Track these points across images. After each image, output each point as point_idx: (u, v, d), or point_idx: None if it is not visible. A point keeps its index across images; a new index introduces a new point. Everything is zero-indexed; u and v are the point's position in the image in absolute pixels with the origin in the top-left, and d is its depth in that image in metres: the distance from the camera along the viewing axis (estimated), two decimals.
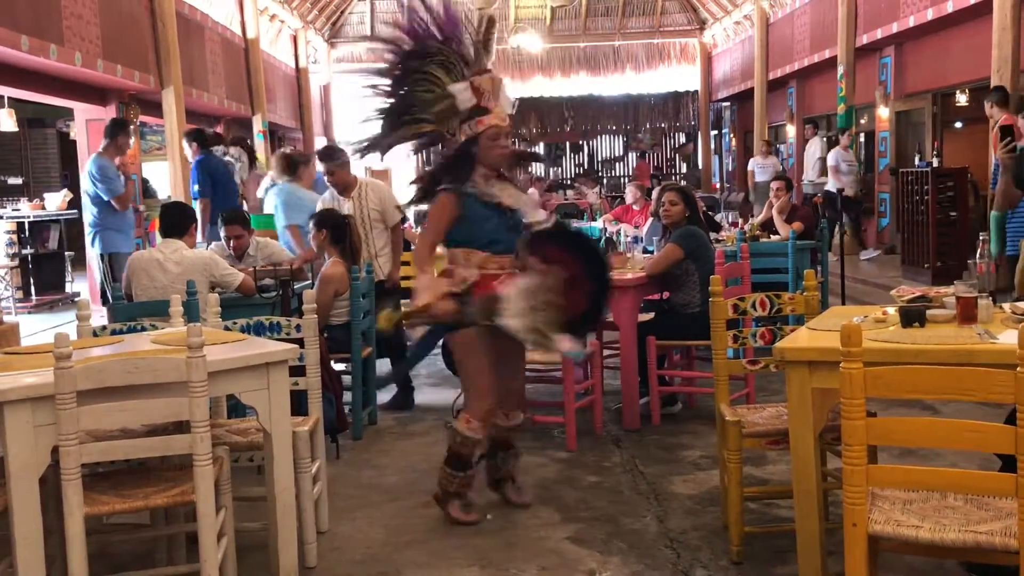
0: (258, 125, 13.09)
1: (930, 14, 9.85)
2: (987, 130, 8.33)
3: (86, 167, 7.81)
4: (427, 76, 3.85)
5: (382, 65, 3.98)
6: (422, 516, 4.01)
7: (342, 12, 18.70)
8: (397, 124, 3.98)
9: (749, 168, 14.64)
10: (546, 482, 4.39)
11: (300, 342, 3.61)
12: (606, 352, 6.02)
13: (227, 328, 3.80)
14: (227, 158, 9.83)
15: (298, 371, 3.62)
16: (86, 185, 7.76)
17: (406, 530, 3.87)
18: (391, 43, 3.92)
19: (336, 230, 5.47)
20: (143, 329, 3.93)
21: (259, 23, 13.25)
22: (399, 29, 3.91)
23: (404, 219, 6.45)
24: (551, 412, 5.30)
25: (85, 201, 7.82)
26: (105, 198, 7.58)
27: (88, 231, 7.84)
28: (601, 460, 4.69)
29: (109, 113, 9.17)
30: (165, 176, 10.13)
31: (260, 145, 13.10)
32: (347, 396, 5.19)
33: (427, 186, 3.96)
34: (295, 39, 16.31)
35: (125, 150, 7.91)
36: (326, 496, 3.85)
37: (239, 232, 5.85)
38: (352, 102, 19.75)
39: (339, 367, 5.31)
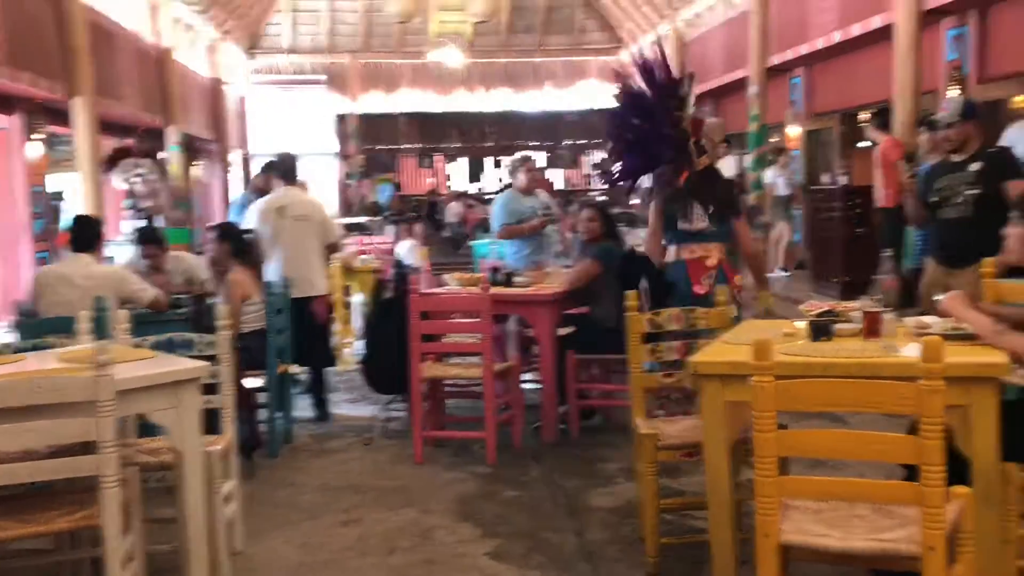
0: (173, 136, 12.80)
1: (837, 37, 10.19)
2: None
3: None
4: (676, 117, 4.77)
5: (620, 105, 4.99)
6: (339, 535, 3.96)
7: (260, 23, 18.44)
8: (652, 155, 4.85)
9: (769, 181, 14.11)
10: (466, 497, 4.38)
11: (213, 359, 3.53)
12: (525, 366, 6.04)
13: (137, 345, 3.69)
14: (138, 170, 9.59)
15: (212, 388, 3.54)
16: None
17: (323, 549, 3.81)
18: (634, 91, 4.90)
19: (238, 242, 5.43)
20: (49, 347, 3.80)
21: (174, 33, 12.98)
22: (640, 80, 4.90)
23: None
24: (471, 427, 5.30)
25: None
26: None
27: None
28: (520, 474, 4.70)
29: (14, 123, 8.85)
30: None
31: (175, 157, 12.82)
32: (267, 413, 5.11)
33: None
34: (212, 50, 16.02)
35: None
36: (240, 516, 3.77)
37: (154, 252, 5.74)
38: (271, 113, 19.53)
39: (255, 383, 5.21)
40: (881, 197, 7.67)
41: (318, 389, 6.01)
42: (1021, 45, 7.89)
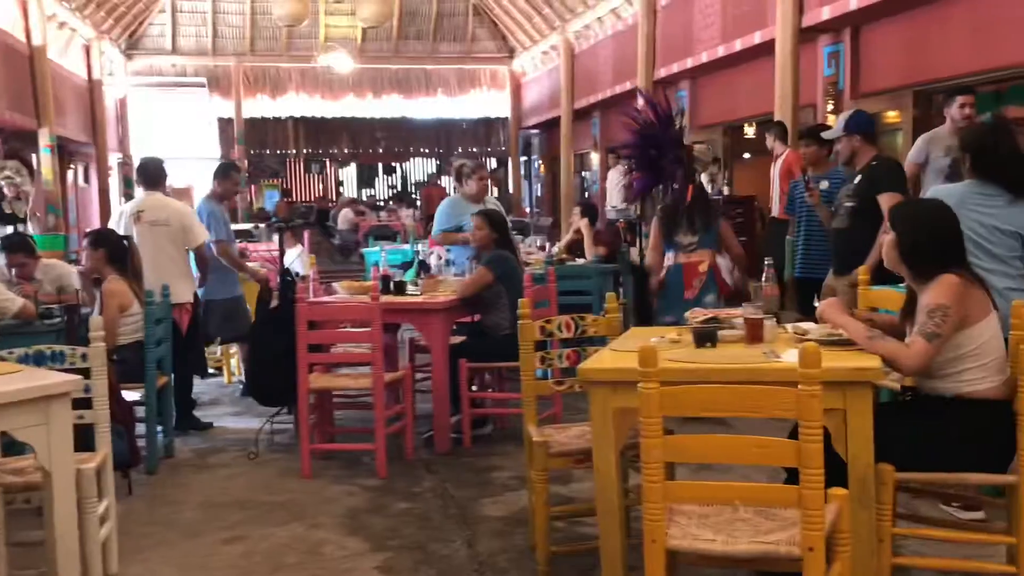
0: (45, 139, 12.22)
1: (720, 51, 10.50)
2: (771, 161, 8.95)
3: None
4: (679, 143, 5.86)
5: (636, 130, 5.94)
6: (222, 553, 3.82)
7: (140, 23, 17.83)
8: (663, 175, 5.87)
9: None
10: (355, 511, 4.29)
11: (87, 372, 3.36)
12: (418, 376, 5.99)
13: (2, 359, 3.49)
14: (5, 173, 9.11)
15: (86, 403, 3.38)
16: None
17: (204, 569, 3.67)
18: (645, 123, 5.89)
19: (113, 249, 5.22)
20: None
21: (46, 30, 12.40)
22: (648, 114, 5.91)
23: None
24: (361, 439, 5.20)
25: None
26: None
27: None
28: (412, 486, 4.64)
29: None
30: None
31: (47, 160, 12.24)
32: (142, 427, 4.90)
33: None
34: (88, 49, 15.39)
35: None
36: (115, 537, 3.59)
37: (22, 260, 5.46)
38: (152, 116, 18.89)
39: (133, 396, 5.00)
40: (777, 208, 7.91)
41: (181, 399, 5.83)
42: (891, 62, 8.29)
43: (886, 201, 4.73)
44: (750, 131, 12.72)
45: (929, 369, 2.92)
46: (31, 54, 12.03)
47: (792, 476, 2.46)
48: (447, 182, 20.00)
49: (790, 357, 2.82)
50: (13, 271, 5.43)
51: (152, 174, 6.10)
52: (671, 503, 2.51)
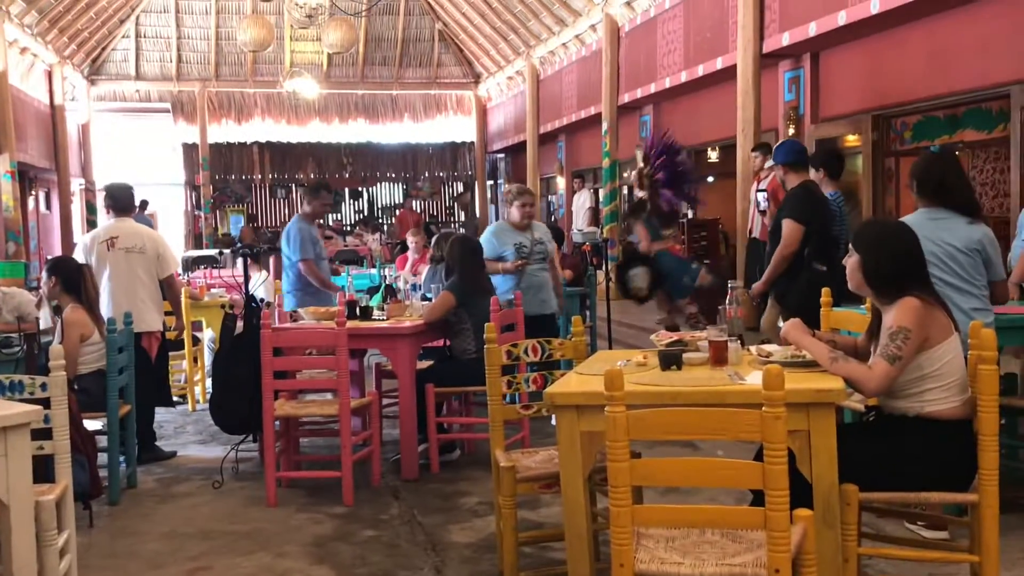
0: (5, 165, 12.05)
1: (683, 76, 10.64)
2: (735, 184, 9.06)
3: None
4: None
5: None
6: None
7: (104, 48, 17.71)
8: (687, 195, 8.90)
9: None
10: (321, 539, 4.24)
11: (46, 402, 3.31)
12: (385, 401, 5.96)
13: None
14: None
15: (45, 434, 3.32)
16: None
17: None
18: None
19: (69, 278, 5.15)
20: None
21: (7, 55, 12.28)
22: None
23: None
24: (327, 466, 5.16)
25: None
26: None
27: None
28: (379, 513, 4.60)
29: None
30: None
31: (7, 186, 12.08)
32: (104, 457, 4.82)
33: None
34: (50, 74, 15.25)
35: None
36: (76, 570, 3.52)
37: None
38: (115, 142, 18.74)
39: (95, 426, 4.92)
40: (757, 229, 7.97)
41: (143, 430, 5.74)
42: (850, 87, 8.44)
43: (785, 227, 5.34)
44: (713, 155, 12.86)
45: (891, 390, 2.96)
46: None
47: (758, 498, 2.47)
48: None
49: (754, 379, 2.84)
50: None
51: (122, 200, 6.04)
52: (639, 527, 2.51)
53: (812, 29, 8.02)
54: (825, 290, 4.16)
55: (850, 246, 3.17)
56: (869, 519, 3.50)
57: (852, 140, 8.85)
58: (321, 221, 18.76)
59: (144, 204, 16.99)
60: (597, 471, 3.10)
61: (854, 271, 3.12)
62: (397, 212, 19.63)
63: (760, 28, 8.69)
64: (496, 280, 6.05)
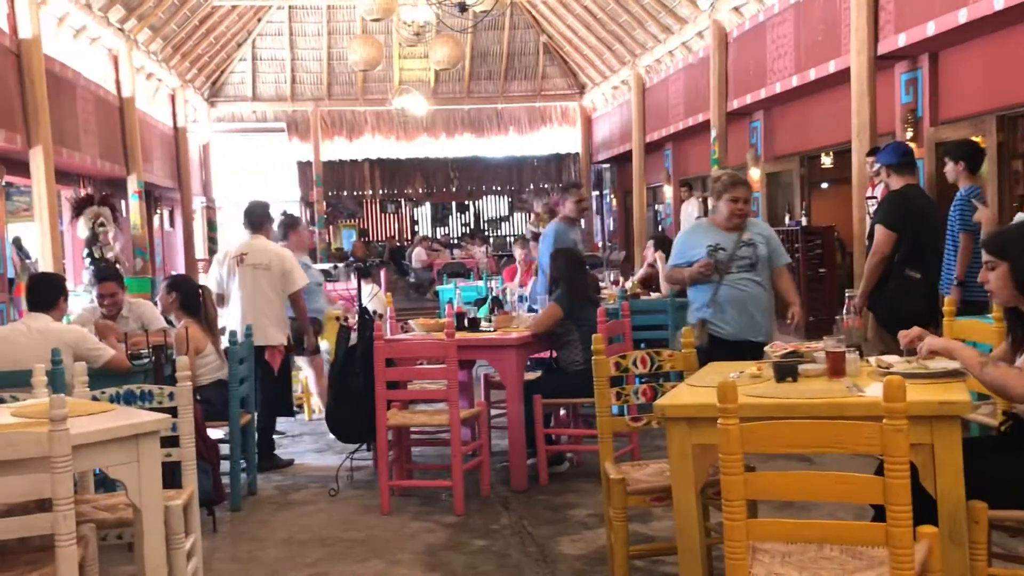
0: (133, 185, 12.70)
1: (795, 81, 10.39)
2: (850, 190, 8.80)
3: None
4: None
5: None
6: None
7: (222, 72, 18.47)
8: None
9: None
10: (433, 548, 4.31)
11: (174, 411, 3.46)
12: (493, 412, 6.00)
13: (95, 398, 3.62)
14: (100, 220, 9.52)
15: (172, 441, 3.47)
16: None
17: None
18: None
19: (188, 295, 5.41)
20: (2, 401, 3.70)
21: (135, 81, 12.94)
22: None
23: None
24: (438, 475, 5.23)
25: None
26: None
27: None
28: (489, 523, 4.64)
29: None
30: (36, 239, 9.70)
31: (135, 205, 12.71)
32: (226, 465, 5.01)
33: None
34: (173, 98, 15.99)
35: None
36: (202, 573, 3.66)
37: (113, 290, 5.67)
38: (234, 161, 19.49)
39: (218, 435, 5.12)
40: None
41: (263, 440, 5.97)
42: (972, 88, 8.10)
43: (876, 232, 5.21)
44: (827, 160, 12.51)
45: None
46: (121, 105, 12.55)
47: (879, 513, 2.39)
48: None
49: (874, 391, 2.75)
50: (105, 301, 5.61)
51: (257, 218, 6.30)
52: (754, 541, 2.46)
53: (931, 28, 7.73)
54: (949, 299, 4.00)
55: (988, 255, 2.95)
56: (1000, 538, 3.34)
57: (977, 143, 8.48)
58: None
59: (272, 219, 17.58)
60: (709, 484, 3.06)
61: (1004, 281, 2.90)
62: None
63: (875, 29, 8.43)
64: (690, 295, 5.16)
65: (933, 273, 5.38)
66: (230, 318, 6.02)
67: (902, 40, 8.15)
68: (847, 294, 3.79)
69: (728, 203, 4.96)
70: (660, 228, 16.62)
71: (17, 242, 12.01)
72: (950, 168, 5.60)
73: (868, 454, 2.31)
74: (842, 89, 9.17)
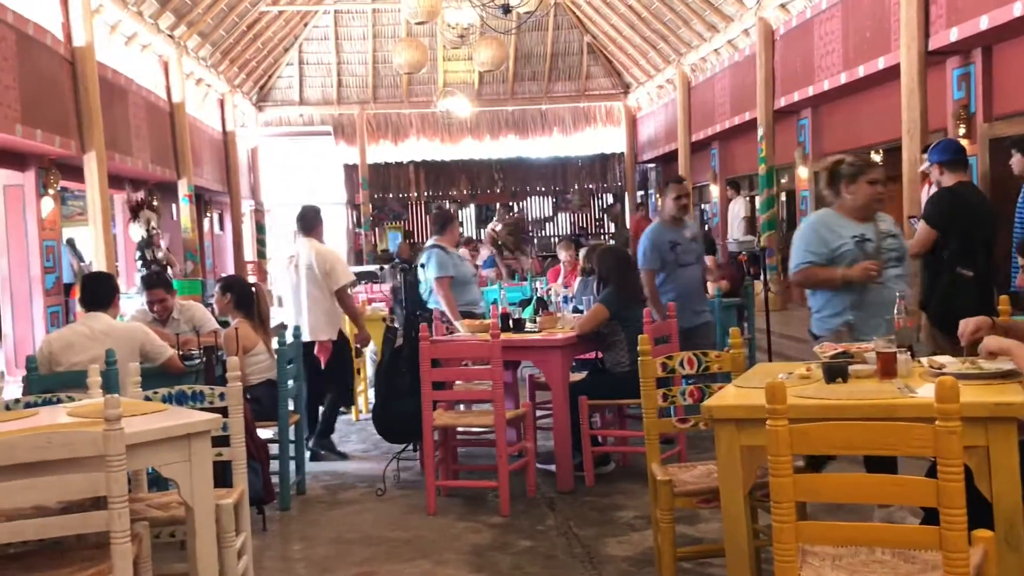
0: (184, 189, 12.92)
1: (843, 78, 10.25)
2: (900, 188, 8.66)
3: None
4: None
5: None
6: None
7: (270, 76, 18.71)
8: None
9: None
10: (479, 548, 4.32)
11: (224, 411, 3.52)
12: (538, 413, 6.00)
13: (147, 398, 3.68)
14: (152, 224, 9.73)
15: (222, 441, 3.53)
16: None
17: None
18: None
19: (242, 295, 5.51)
20: (59, 401, 3.79)
21: (185, 87, 13.17)
22: None
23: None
24: (484, 476, 5.24)
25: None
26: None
27: None
28: (535, 524, 4.64)
29: (28, 178, 8.95)
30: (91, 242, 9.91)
31: (185, 209, 12.93)
32: (276, 465, 5.07)
33: None
34: (222, 103, 16.23)
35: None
36: (252, 571, 3.71)
37: (162, 296, 5.77)
38: (281, 164, 19.73)
39: (266, 434, 5.19)
40: None
41: (328, 418, 6.34)
42: None
43: (919, 229, 5.13)
44: (876, 158, 12.32)
45: None
46: (171, 110, 12.77)
47: (931, 516, 2.35)
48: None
49: (926, 392, 2.71)
50: (155, 307, 5.74)
51: (305, 220, 6.48)
52: (803, 544, 2.43)
53: (984, 22, 7.57)
54: (1003, 298, 3.92)
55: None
56: None
57: None
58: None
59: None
60: (758, 486, 3.03)
61: None
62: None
63: (925, 24, 8.29)
64: (819, 299, 4.35)
65: (986, 271, 5.27)
66: (287, 318, 6.38)
67: (954, 35, 8.01)
68: (898, 294, 3.72)
69: (867, 185, 4.29)
70: (706, 228, 16.48)
71: (71, 244, 12.29)
72: (1016, 160, 5.48)
73: (920, 456, 2.27)
74: (892, 85, 9.03)
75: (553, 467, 5.30)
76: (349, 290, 6.50)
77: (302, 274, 6.25)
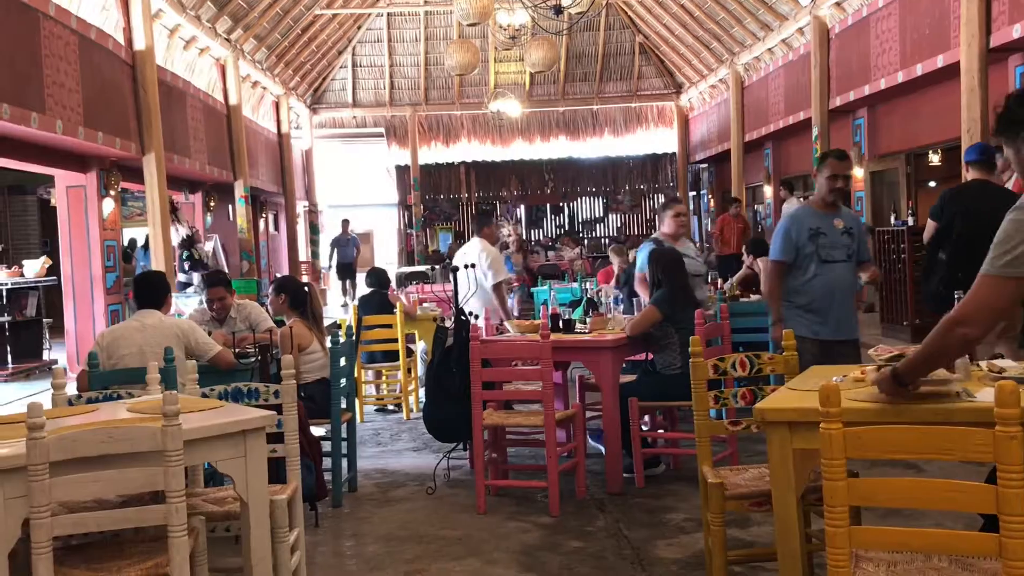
0: (240, 190, 13.15)
1: (900, 77, 10.08)
2: None
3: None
4: None
5: None
6: None
7: (324, 79, 18.95)
8: None
9: None
10: (529, 548, 4.33)
11: (279, 408, 3.57)
12: (589, 414, 5.99)
13: (204, 395, 3.75)
14: (192, 224, 9.93)
15: (276, 438, 3.58)
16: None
17: None
18: None
19: (296, 294, 5.58)
20: (119, 397, 3.88)
21: (241, 90, 13.39)
22: None
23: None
24: (534, 476, 5.25)
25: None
26: None
27: None
28: (585, 524, 4.64)
29: (90, 180, 9.18)
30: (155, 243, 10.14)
31: (241, 209, 13.14)
32: (328, 462, 5.13)
33: None
34: (277, 105, 16.48)
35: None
36: (304, 566, 3.77)
37: (222, 294, 5.88)
38: (335, 165, 19.97)
39: (319, 432, 5.26)
40: None
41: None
42: None
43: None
44: (935, 158, 12.09)
45: None
46: (228, 113, 13.00)
47: (989, 523, 2.30)
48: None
49: (985, 396, 2.65)
50: (215, 305, 5.85)
51: (481, 223, 7.35)
52: (857, 549, 2.40)
53: None
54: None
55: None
56: None
57: None
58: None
59: (345, 223, 18.00)
60: (811, 490, 2.99)
61: None
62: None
63: (987, 21, 8.11)
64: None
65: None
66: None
67: (1017, 31, 7.82)
68: (956, 295, 3.65)
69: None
70: (760, 228, 16.30)
71: (132, 244, 12.57)
72: None
73: (979, 462, 2.22)
74: (951, 84, 8.86)
75: (601, 447, 5.28)
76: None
77: (467, 272, 6.64)
